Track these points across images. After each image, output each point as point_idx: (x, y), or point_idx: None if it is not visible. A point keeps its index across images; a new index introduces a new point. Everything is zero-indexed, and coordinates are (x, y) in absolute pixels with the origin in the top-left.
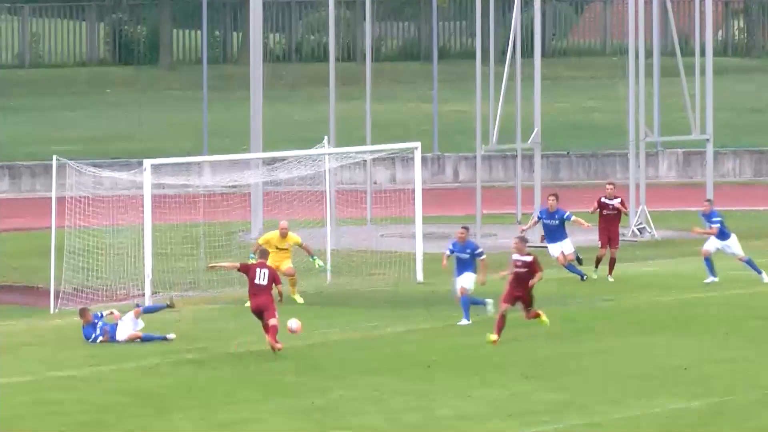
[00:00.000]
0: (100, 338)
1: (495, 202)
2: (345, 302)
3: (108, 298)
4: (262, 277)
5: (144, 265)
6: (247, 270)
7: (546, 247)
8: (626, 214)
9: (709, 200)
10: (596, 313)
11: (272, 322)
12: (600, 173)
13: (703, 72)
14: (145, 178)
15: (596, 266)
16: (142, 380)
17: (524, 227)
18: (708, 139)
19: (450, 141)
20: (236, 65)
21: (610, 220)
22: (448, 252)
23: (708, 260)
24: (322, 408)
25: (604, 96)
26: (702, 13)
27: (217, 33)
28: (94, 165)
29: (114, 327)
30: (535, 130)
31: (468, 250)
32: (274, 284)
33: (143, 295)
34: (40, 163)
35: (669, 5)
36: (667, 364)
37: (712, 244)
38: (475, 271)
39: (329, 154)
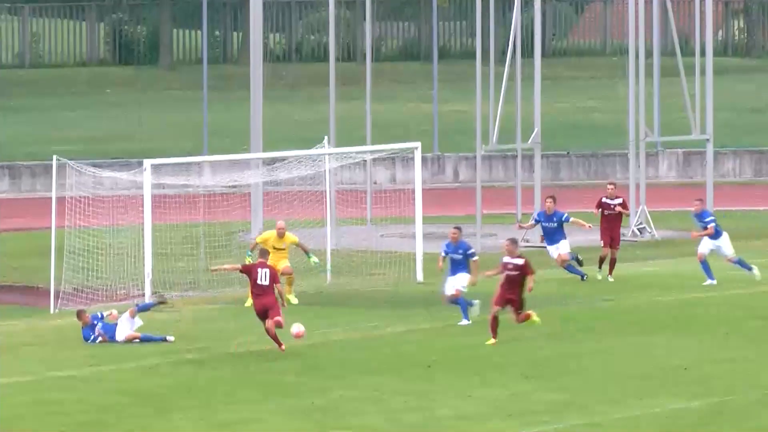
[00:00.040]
0: (99, 339)
1: (495, 202)
2: (345, 302)
3: (108, 298)
4: (264, 277)
5: (144, 265)
6: (248, 271)
7: (546, 247)
8: (627, 216)
9: (699, 199)
10: (596, 313)
11: (278, 319)
12: (600, 173)
13: (703, 72)
14: (145, 178)
15: (600, 266)
16: (142, 380)
17: (523, 225)
18: (708, 139)
19: (450, 141)
20: (236, 65)
21: (612, 220)
22: (443, 254)
23: (704, 263)
24: (322, 408)
25: (604, 96)
26: (702, 13)
27: (217, 33)
28: (94, 165)
29: (113, 327)
30: (535, 130)
31: (460, 251)
32: (274, 284)
33: (143, 295)
34: (40, 163)
35: (669, 5)
36: (667, 364)
37: (705, 246)
38: (468, 272)
39: (329, 154)
